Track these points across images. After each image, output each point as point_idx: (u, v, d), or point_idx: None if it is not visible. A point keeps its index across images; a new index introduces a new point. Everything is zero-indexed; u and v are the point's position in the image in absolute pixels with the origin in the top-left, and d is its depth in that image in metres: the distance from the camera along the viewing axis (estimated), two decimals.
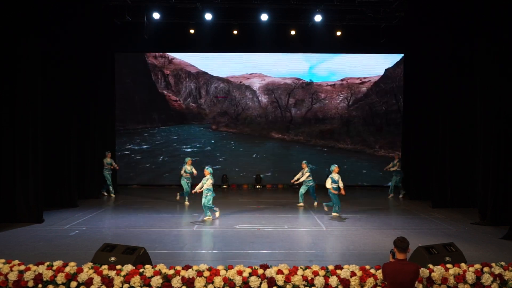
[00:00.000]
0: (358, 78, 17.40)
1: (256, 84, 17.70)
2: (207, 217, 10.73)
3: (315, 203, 12.85)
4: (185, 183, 12.98)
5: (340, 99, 17.52)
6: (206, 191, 10.69)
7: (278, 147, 17.57)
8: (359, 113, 17.42)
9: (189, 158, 13.27)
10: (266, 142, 17.68)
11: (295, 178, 13.03)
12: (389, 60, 17.11)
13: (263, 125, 17.74)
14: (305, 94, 17.55)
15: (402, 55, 16.74)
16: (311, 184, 12.79)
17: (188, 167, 12.96)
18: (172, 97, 17.69)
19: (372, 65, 17.17)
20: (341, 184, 11.08)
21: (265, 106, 17.69)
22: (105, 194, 14.34)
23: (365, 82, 17.42)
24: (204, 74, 17.68)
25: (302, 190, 12.91)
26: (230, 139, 17.72)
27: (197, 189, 10.78)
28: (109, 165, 14.19)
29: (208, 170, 10.86)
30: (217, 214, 11.02)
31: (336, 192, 11.05)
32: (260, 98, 17.65)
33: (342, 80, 17.46)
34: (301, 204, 12.84)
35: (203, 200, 10.71)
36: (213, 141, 17.62)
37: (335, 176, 11.10)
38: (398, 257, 4.77)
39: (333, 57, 17.24)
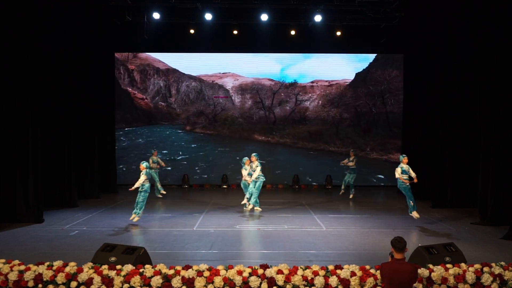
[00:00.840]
0: (345, 80, 16.99)
1: (229, 83, 16.77)
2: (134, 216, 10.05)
3: (256, 207, 11.48)
4: (245, 184, 11.92)
5: (326, 100, 16.98)
6: (140, 188, 10.01)
7: (263, 150, 16.33)
8: (346, 114, 16.98)
9: (247, 158, 11.86)
10: (248, 144, 16.64)
11: (245, 175, 11.63)
12: (386, 60, 17.00)
13: (244, 127, 16.84)
14: (289, 95, 16.92)
15: (375, 55, 16.83)
16: (261, 179, 11.35)
17: (247, 167, 11.73)
18: (138, 95, 16.47)
19: (361, 66, 16.96)
20: (412, 174, 10.32)
21: (245, 107, 16.74)
22: (160, 195, 13.73)
23: (350, 83, 17.01)
24: (174, 71, 16.57)
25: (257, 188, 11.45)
26: (208, 141, 16.69)
27: (134, 186, 9.97)
28: (155, 163, 13.75)
29: (143, 165, 10.05)
30: (135, 219, 10.07)
31: (407, 182, 10.24)
32: (234, 98, 16.74)
33: (328, 80, 16.99)
34: (246, 201, 11.61)
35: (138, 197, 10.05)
36: (194, 145, 16.61)
37: (405, 166, 10.37)
38: (396, 256, 4.77)
39: (324, 57, 16.87)
